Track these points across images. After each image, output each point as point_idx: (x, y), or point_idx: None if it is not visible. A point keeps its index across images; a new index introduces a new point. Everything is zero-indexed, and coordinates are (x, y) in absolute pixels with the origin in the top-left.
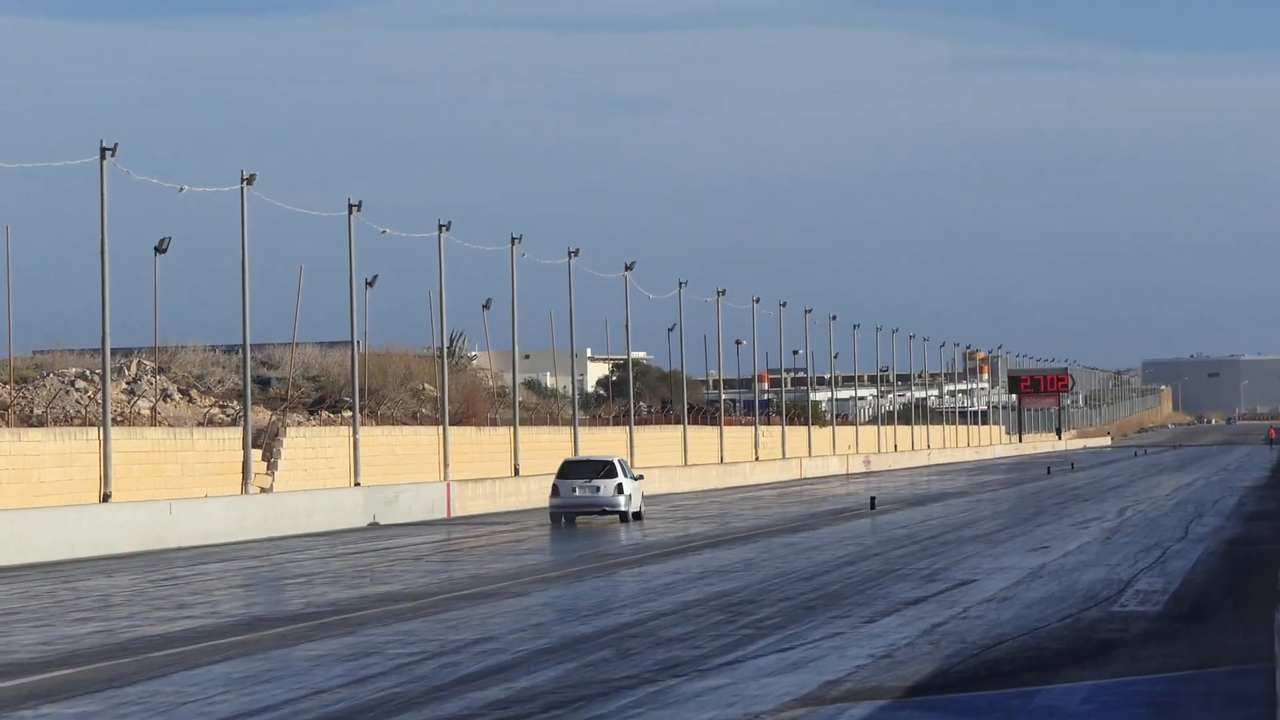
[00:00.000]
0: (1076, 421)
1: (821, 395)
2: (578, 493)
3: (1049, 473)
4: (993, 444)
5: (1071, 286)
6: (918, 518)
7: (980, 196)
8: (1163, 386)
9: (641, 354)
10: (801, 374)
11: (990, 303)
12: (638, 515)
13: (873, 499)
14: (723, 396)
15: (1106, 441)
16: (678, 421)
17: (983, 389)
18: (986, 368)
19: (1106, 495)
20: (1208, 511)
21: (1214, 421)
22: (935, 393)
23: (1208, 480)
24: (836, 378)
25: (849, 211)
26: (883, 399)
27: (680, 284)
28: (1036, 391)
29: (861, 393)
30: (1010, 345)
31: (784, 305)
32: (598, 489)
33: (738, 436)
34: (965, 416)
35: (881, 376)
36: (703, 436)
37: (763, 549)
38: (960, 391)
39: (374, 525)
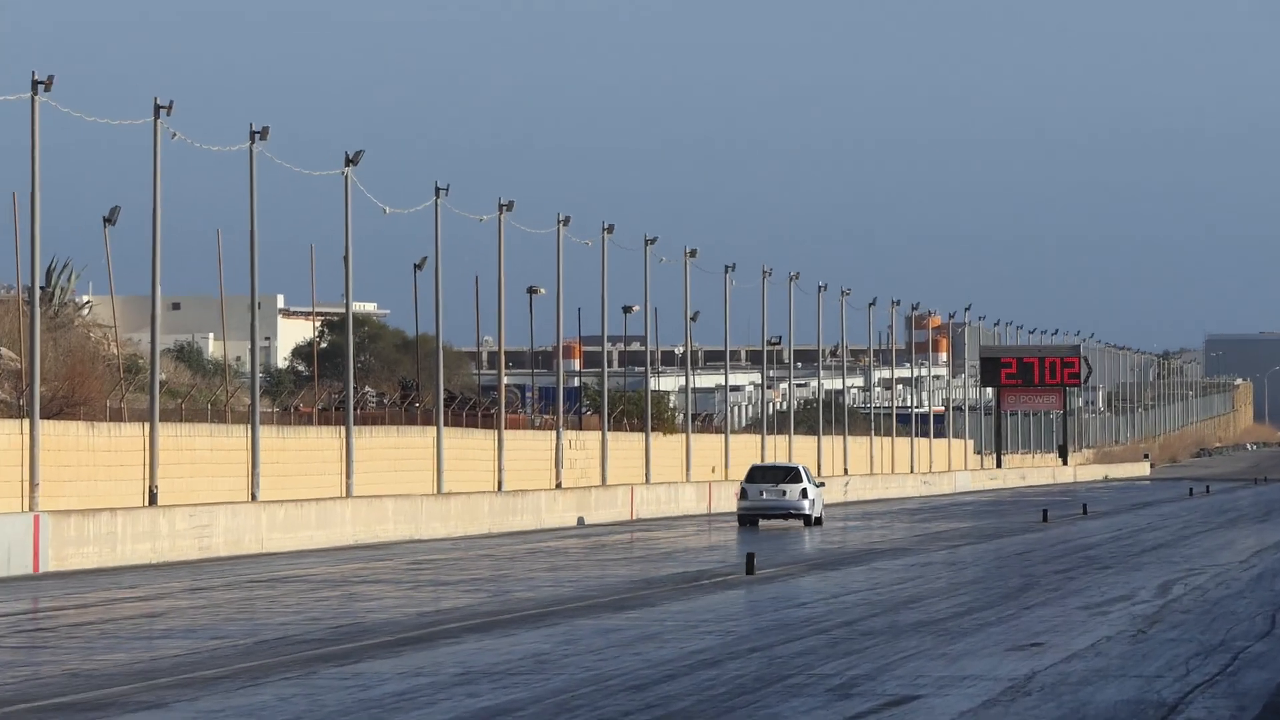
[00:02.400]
0: (1094, 434)
1: (671, 383)
2: (765, 496)
3: (1045, 520)
4: (953, 469)
5: (1086, 225)
6: (826, 589)
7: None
8: (1239, 381)
9: (369, 306)
10: (639, 347)
11: (960, 252)
12: (819, 520)
13: (750, 557)
14: (502, 381)
15: (1144, 470)
16: (427, 421)
17: (939, 377)
18: (946, 342)
19: (1141, 560)
20: None
21: None
22: (859, 383)
23: None
24: (696, 353)
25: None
26: (772, 391)
27: (438, 190)
28: (1027, 383)
29: (739, 379)
30: (986, 308)
31: (609, 229)
32: (784, 493)
33: (529, 448)
34: (910, 422)
35: (770, 354)
36: (469, 447)
37: (565, 637)
38: (901, 382)
39: None
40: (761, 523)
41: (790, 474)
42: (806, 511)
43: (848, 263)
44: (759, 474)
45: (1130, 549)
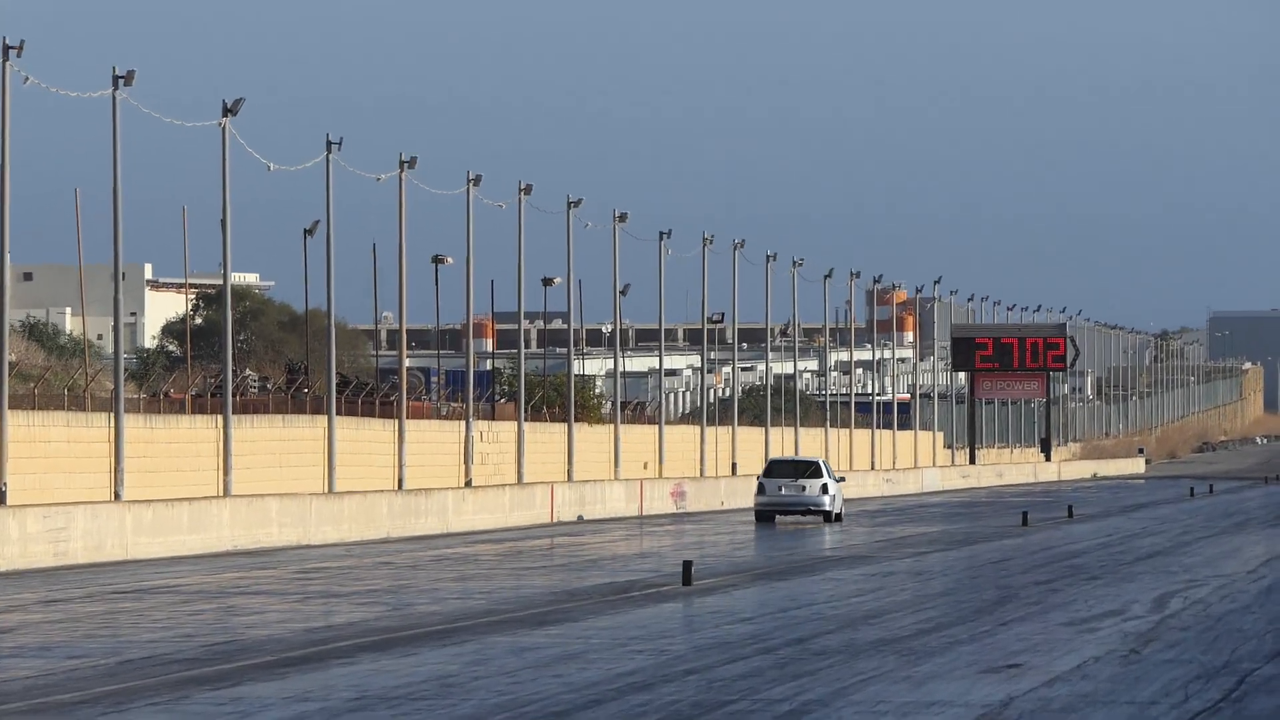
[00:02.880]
0: (1082, 426)
1: (597, 366)
2: (784, 492)
3: (1025, 523)
4: (920, 465)
5: (1074, 192)
6: (774, 602)
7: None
8: (1247, 364)
9: (251, 277)
10: (560, 324)
11: (931, 221)
12: (839, 517)
13: (688, 566)
14: (404, 364)
15: (1138, 466)
16: (317, 410)
17: (904, 360)
18: (912, 321)
19: (1134, 570)
20: None
21: None
22: (813, 366)
23: None
24: (626, 332)
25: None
26: (713, 375)
27: (330, 144)
28: (1005, 367)
29: (676, 362)
30: (959, 282)
31: (526, 190)
32: (804, 488)
33: (434, 441)
34: (872, 412)
35: (712, 334)
36: (366, 439)
37: (475, 657)
38: (861, 366)
39: None
40: (778, 518)
41: (810, 468)
42: (827, 508)
43: (801, 232)
44: (778, 468)
45: (1122, 557)
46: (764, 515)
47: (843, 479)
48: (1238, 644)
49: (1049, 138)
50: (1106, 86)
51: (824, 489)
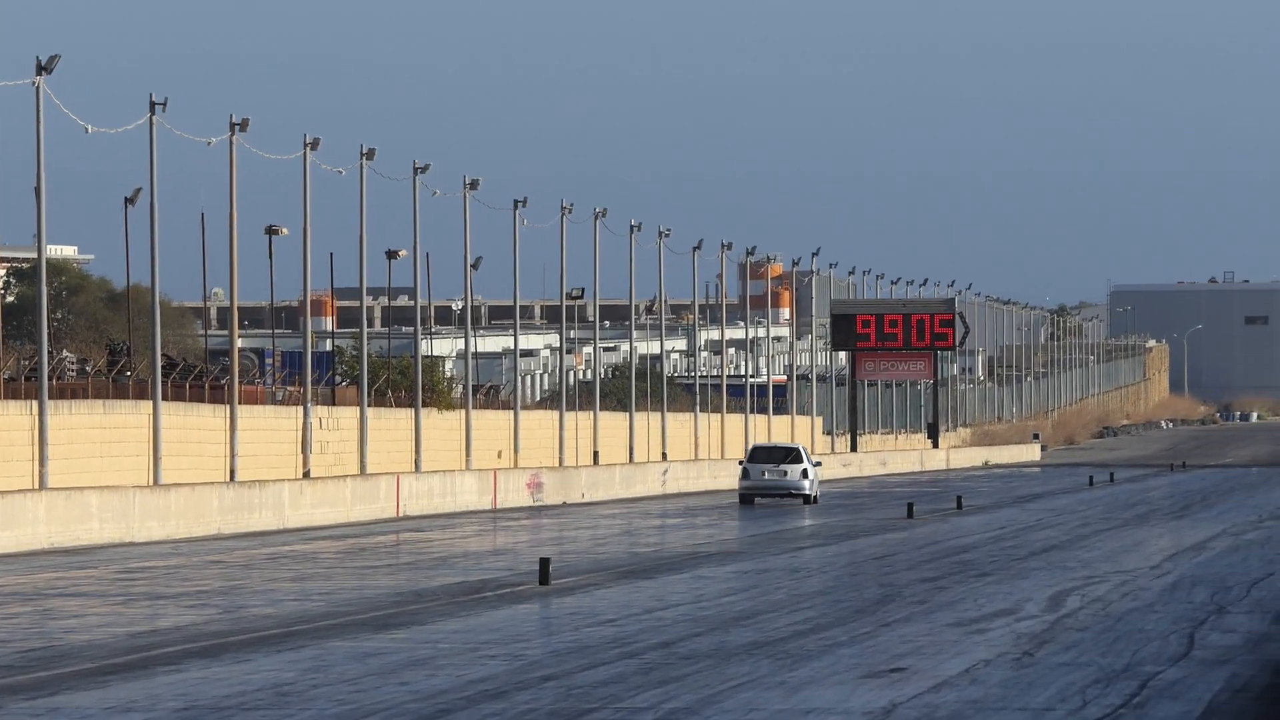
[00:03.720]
0: (973, 410)
1: (447, 346)
2: (766, 476)
3: (910, 515)
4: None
5: (964, 157)
6: (639, 603)
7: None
8: (1152, 342)
9: (69, 251)
10: (406, 301)
11: (809, 190)
12: (815, 499)
13: (545, 564)
14: (235, 344)
15: (1034, 453)
16: (141, 394)
17: (780, 339)
18: (789, 296)
19: (1028, 565)
20: (1236, 603)
21: (1257, 416)
22: (682, 346)
23: (1240, 538)
24: (478, 309)
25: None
26: (574, 356)
27: (154, 105)
28: (890, 347)
29: (532, 342)
30: (839, 254)
31: (369, 155)
32: (785, 473)
33: (269, 428)
34: (745, 395)
35: (572, 310)
36: (195, 426)
37: (314, 663)
38: (734, 345)
39: None
40: (757, 500)
41: (791, 454)
42: (806, 491)
43: (669, 200)
44: (761, 454)
45: (1015, 552)
46: (746, 498)
47: (819, 463)
48: (1139, 645)
49: (938, 97)
50: (1000, 45)
51: (804, 474)
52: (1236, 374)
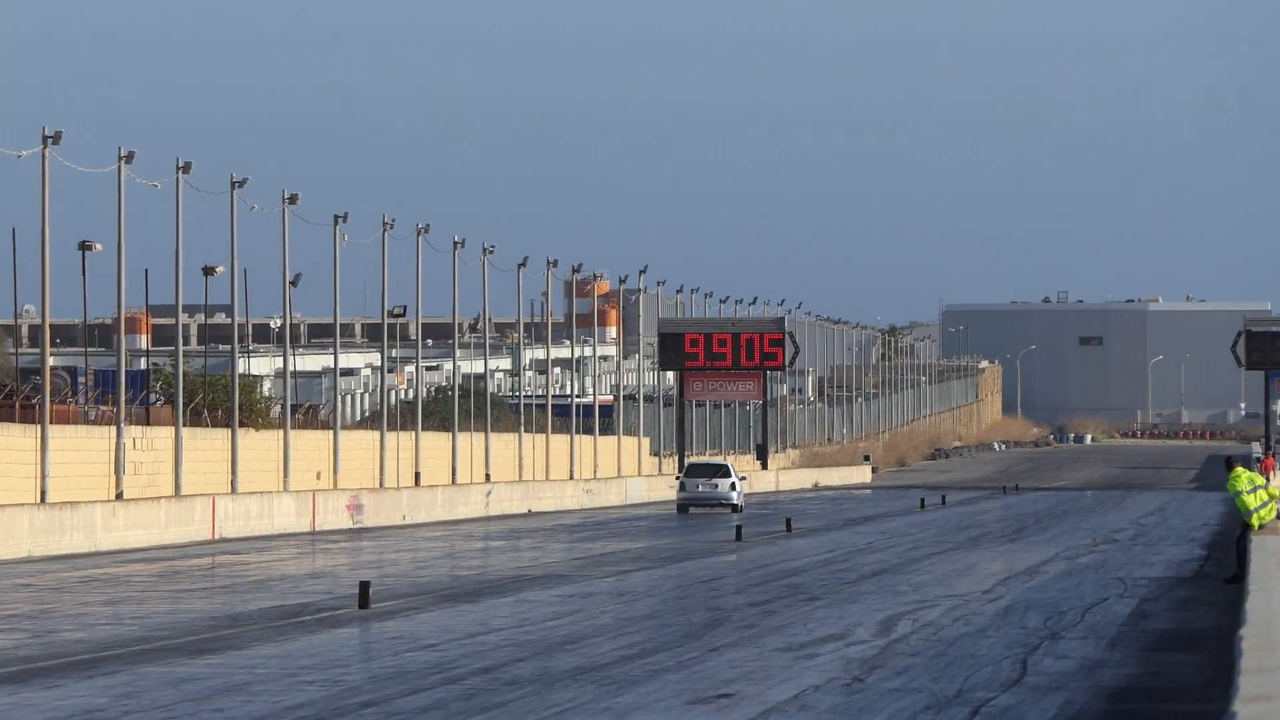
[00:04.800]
0: (802, 430)
1: (266, 365)
2: (700, 489)
3: (739, 538)
4: (624, 474)
5: (795, 174)
6: (461, 627)
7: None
8: (984, 363)
9: None
10: (224, 319)
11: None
12: (741, 508)
13: (365, 587)
14: (46, 362)
15: (864, 475)
16: None
17: (607, 358)
18: (616, 314)
19: (858, 589)
20: (1070, 628)
21: (1091, 439)
22: (507, 365)
23: (1074, 562)
24: (297, 327)
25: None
26: (395, 375)
27: None
28: (717, 367)
29: (353, 360)
30: (668, 272)
31: (185, 169)
32: (716, 486)
33: (82, 448)
34: (571, 416)
35: (394, 329)
36: (3, 447)
37: (126, 689)
38: (559, 364)
39: None
40: (692, 509)
41: (721, 470)
42: (735, 501)
43: (493, 217)
44: (696, 470)
45: (845, 575)
46: (683, 508)
47: (744, 478)
48: (971, 671)
49: (763, 112)
50: (825, 55)
51: (732, 486)
52: (1071, 395)
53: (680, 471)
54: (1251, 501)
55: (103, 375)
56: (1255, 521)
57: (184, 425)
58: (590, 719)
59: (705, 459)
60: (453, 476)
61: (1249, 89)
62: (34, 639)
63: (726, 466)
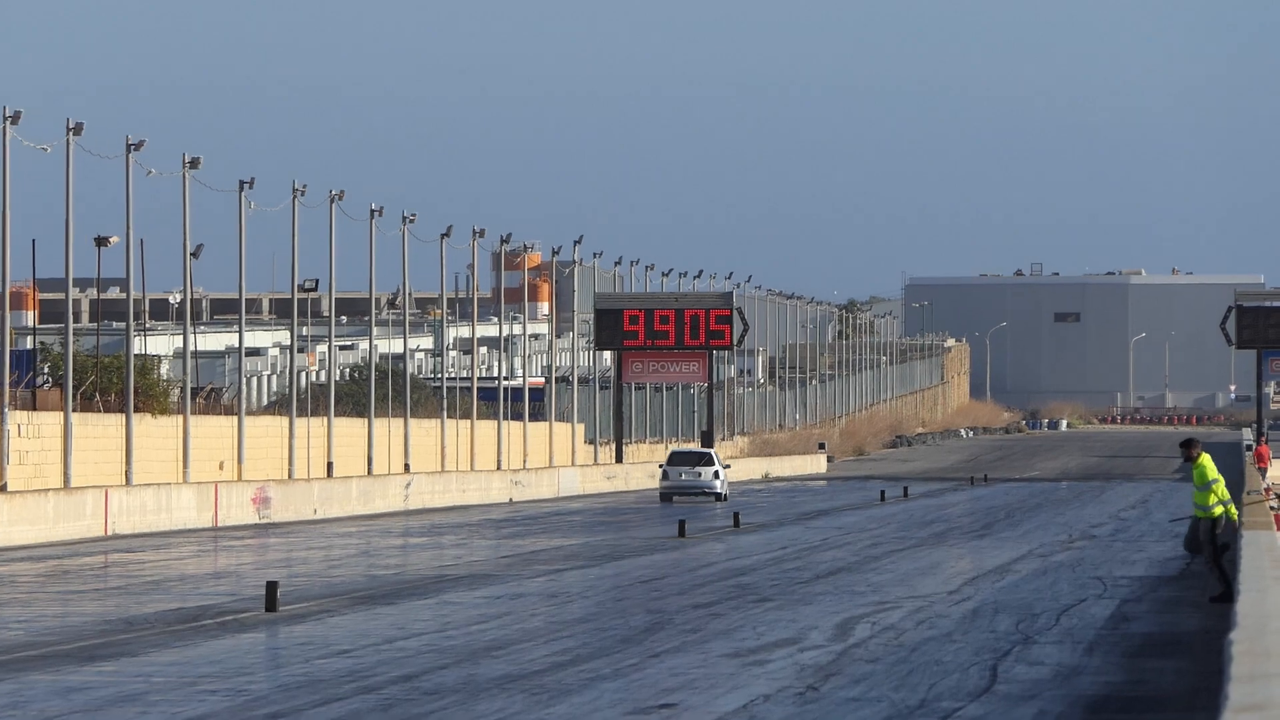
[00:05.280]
0: (751, 416)
1: (164, 344)
2: (684, 477)
3: (682, 534)
4: (556, 464)
5: (747, 140)
6: (378, 631)
7: None
8: (951, 341)
9: None
10: (119, 293)
11: (571, 170)
12: (725, 497)
13: (273, 588)
14: None
15: (819, 465)
16: None
17: (538, 336)
18: (547, 287)
19: (813, 590)
20: (1044, 632)
21: (1067, 424)
22: (428, 344)
23: (1048, 559)
24: (199, 302)
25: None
26: (306, 355)
27: None
28: (659, 346)
29: (260, 339)
30: (604, 242)
31: (75, 130)
32: (699, 474)
33: None
34: (498, 400)
35: (305, 304)
36: None
37: (11, 699)
38: (486, 344)
39: None
40: (679, 499)
41: (704, 458)
42: (718, 490)
43: (412, 183)
44: (678, 458)
45: (798, 575)
46: (666, 496)
47: (729, 465)
48: (936, 679)
49: (694, 69)
50: (764, 15)
51: (715, 475)
52: (1044, 377)
53: (666, 462)
54: (1224, 492)
55: None
56: (1234, 512)
57: (74, 410)
58: None
59: (689, 447)
60: (369, 467)
61: (1239, 48)
62: None
63: (710, 454)
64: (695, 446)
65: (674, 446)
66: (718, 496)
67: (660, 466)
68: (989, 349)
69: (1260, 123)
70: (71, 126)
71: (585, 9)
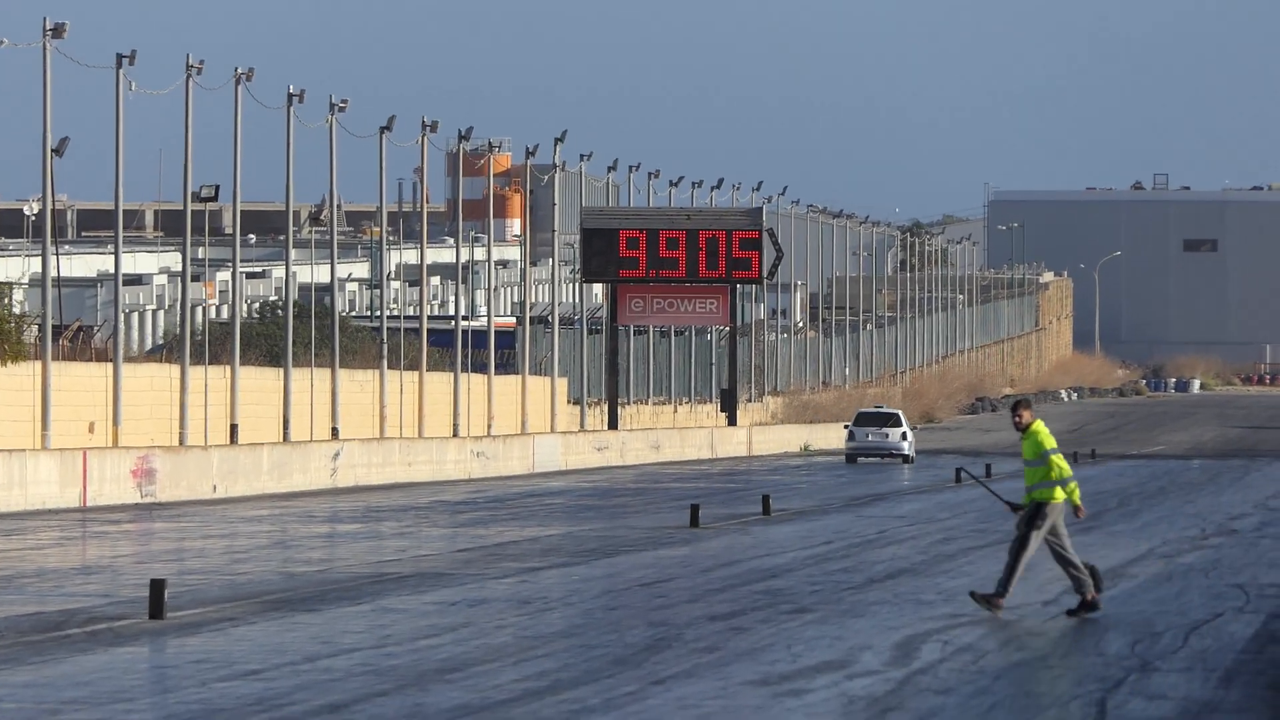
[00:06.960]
0: (788, 372)
1: (17, 268)
2: (871, 439)
3: (695, 524)
4: (531, 430)
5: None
6: (295, 646)
7: None
8: (1049, 275)
9: None
10: None
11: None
12: (913, 460)
13: (159, 588)
14: None
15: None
16: None
17: (507, 263)
18: (520, 200)
19: (865, 598)
20: (1168, 656)
21: (1200, 385)
22: (363, 273)
23: (1174, 561)
24: (64, 214)
25: None
26: (204, 285)
27: None
28: (666, 278)
29: (144, 263)
30: (594, 142)
31: None
32: (887, 435)
33: None
34: (458, 346)
35: (202, 218)
36: None
37: None
38: (439, 273)
39: None
40: (863, 459)
41: (892, 419)
42: (906, 451)
43: (343, 64)
44: (866, 419)
45: (846, 578)
46: (851, 458)
47: (916, 427)
48: (1027, 717)
49: None
50: None
51: (904, 436)
52: (1171, 323)
53: (853, 422)
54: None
55: None
56: (1073, 493)
57: None
58: None
59: (876, 408)
60: (284, 432)
61: None
62: None
63: (897, 415)
64: (883, 407)
65: (861, 408)
66: (906, 459)
67: (846, 427)
68: (1098, 286)
69: None
70: None
71: None
